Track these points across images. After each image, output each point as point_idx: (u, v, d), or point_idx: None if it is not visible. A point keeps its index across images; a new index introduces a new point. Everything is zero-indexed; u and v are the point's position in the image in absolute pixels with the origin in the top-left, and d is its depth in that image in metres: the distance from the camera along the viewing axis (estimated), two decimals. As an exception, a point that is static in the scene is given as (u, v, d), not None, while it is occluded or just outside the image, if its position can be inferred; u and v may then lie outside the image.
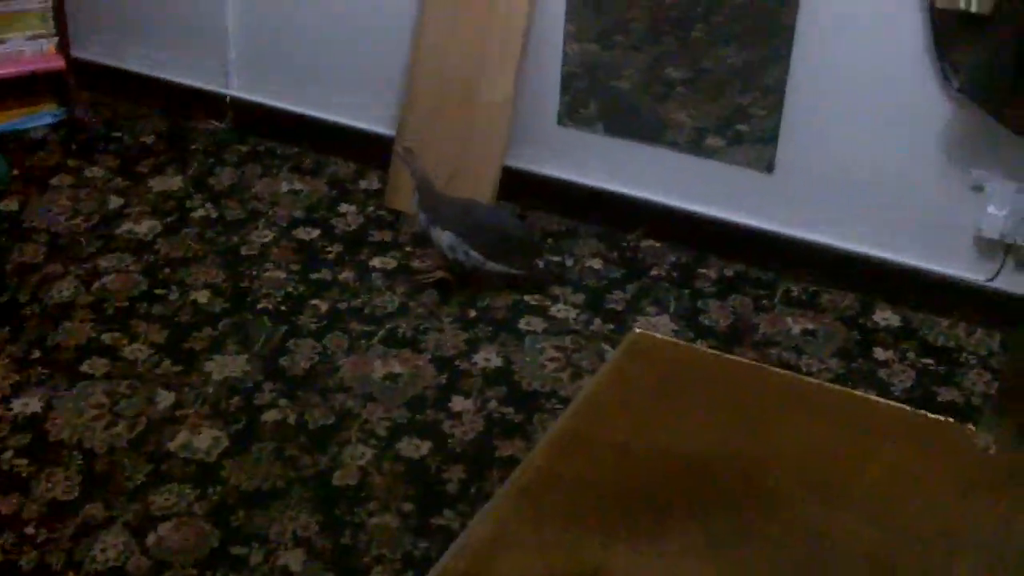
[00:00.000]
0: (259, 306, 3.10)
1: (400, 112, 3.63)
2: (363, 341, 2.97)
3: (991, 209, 3.00)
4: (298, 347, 2.94)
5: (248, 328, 3.01)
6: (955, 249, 3.13)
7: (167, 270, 3.25)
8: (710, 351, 2.77)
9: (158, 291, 3.15)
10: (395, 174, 3.59)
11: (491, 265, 3.15)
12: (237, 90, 3.99)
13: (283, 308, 3.09)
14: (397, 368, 2.88)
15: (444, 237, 3.14)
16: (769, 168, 3.26)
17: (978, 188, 3.03)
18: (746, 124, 3.29)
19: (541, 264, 3.22)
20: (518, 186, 3.55)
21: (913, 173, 3.10)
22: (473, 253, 3.13)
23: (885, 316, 3.17)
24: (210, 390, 2.78)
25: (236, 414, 2.70)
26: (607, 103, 3.47)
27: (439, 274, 3.23)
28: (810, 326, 3.12)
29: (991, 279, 3.11)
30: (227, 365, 2.87)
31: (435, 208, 3.16)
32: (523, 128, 3.50)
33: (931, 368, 2.97)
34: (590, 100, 3.47)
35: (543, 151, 3.54)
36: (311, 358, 2.90)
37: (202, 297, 3.13)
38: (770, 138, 3.25)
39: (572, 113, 3.48)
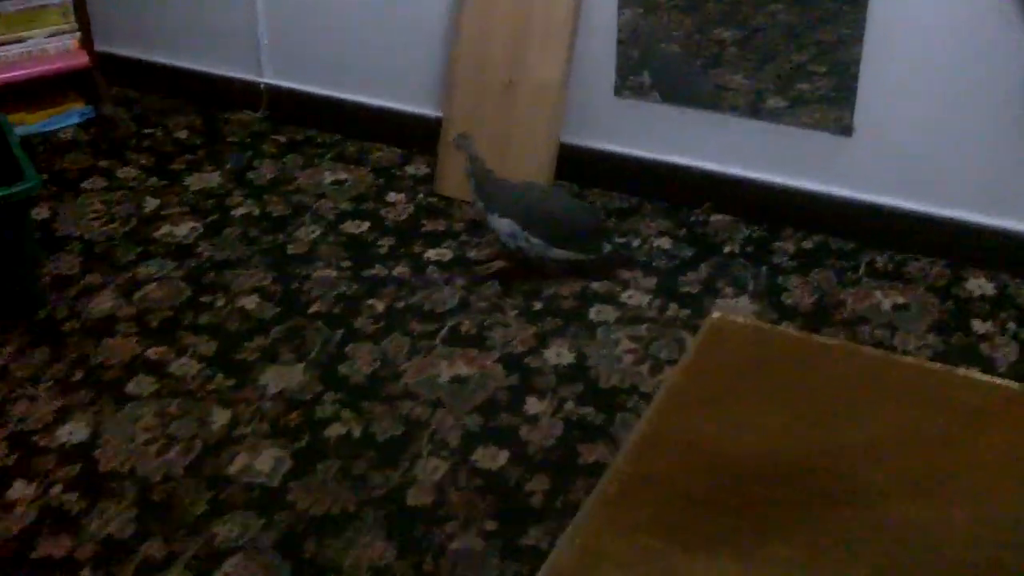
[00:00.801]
0: (312, 309, 2.91)
1: (445, 93, 3.43)
2: (425, 341, 2.79)
3: (1096, 164, 2.77)
4: (357, 352, 2.76)
5: (302, 334, 2.82)
6: (1054, 208, 2.91)
7: (211, 275, 3.07)
8: (796, 333, 2.57)
9: (203, 299, 2.97)
10: (444, 158, 3.39)
11: (554, 252, 2.95)
12: (271, 77, 3.79)
13: (337, 310, 2.91)
14: (464, 369, 2.69)
15: (503, 225, 2.94)
16: (847, 131, 3.04)
17: (1079, 141, 2.80)
18: (807, 83, 3.07)
19: (607, 247, 3.01)
20: (577, 164, 3.34)
21: (1001, 129, 2.87)
22: (534, 240, 2.93)
23: (979, 283, 2.95)
24: (267, 405, 2.60)
25: (297, 430, 2.52)
26: (659, 70, 3.26)
27: (499, 264, 3.04)
28: (901, 299, 2.90)
29: (1094, 238, 2.89)
30: (283, 376, 2.69)
31: (492, 195, 2.96)
32: (580, 103, 3.29)
33: (1037, 339, 2.76)
34: (643, 69, 3.25)
35: (601, 125, 3.32)
36: (372, 363, 2.72)
37: (250, 303, 2.95)
38: (845, 98, 3.02)
39: (627, 82, 3.27)
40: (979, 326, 2.81)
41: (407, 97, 3.58)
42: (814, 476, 1.53)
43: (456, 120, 3.36)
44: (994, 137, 2.88)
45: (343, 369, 2.70)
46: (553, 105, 3.25)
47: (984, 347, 2.73)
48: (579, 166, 3.35)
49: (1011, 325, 2.80)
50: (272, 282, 3.02)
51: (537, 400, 2.60)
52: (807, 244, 3.12)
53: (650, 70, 3.25)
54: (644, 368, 2.69)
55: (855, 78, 2.98)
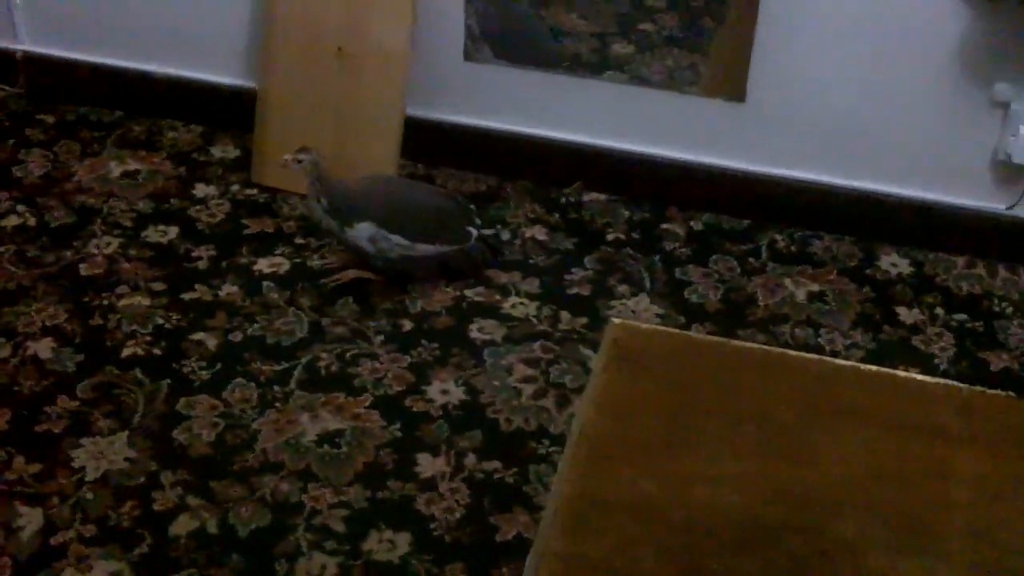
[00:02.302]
0: (125, 352, 2.32)
1: (260, 61, 2.84)
2: (277, 387, 2.26)
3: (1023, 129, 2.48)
4: (193, 410, 2.20)
5: (118, 390, 2.24)
6: (969, 176, 2.61)
7: (-14, 314, 2.43)
8: (712, 339, 2.22)
9: (-20, 348, 2.34)
10: (261, 138, 2.81)
11: (421, 248, 2.46)
12: (29, 44, 3.07)
13: (157, 351, 2.33)
14: (332, 422, 2.18)
15: (360, 232, 2.42)
16: (739, 96, 2.65)
17: (1002, 105, 2.50)
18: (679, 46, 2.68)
19: (472, 232, 2.53)
20: (426, 140, 2.82)
21: (918, 91, 2.54)
22: (395, 238, 2.43)
23: (893, 262, 2.64)
24: (89, 497, 2.03)
25: (133, 530, 1.97)
26: (509, 24, 2.78)
27: (351, 273, 2.52)
28: (815, 287, 2.56)
29: (1012, 207, 2.62)
30: (103, 453, 2.11)
31: (342, 206, 2.43)
32: (425, 70, 2.76)
33: (967, 326, 2.47)
34: (495, 28, 2.77)
35: (451, 95, 2.82)
36: (214, 425, 2.17)
37: (44, 350, 2.33)
38: (735, 61, 2.63)
39: (479, 45, 2.77)
40: (905, 314, 2.50)
41: (206, 64, 2.95)
42: (780, 537, 1.36)
43: (275, 95, 2.78)
44: (911, 98, 2.55)
45: (179, 436, 2.15)
46: (397, 74, 2.71)
47: (917, 341, 2.43)
48: (428, 143, 2.84)
49: (939, 311, 2.51)
50: (68, 318, 2.41)
51: (430, 457, 2.13)
52: (696, 225, 2.73)
53: (502, 29, 2.77)
54: (548, 401, 2.26)
55: (748, 37, 2.59)
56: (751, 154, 2.71)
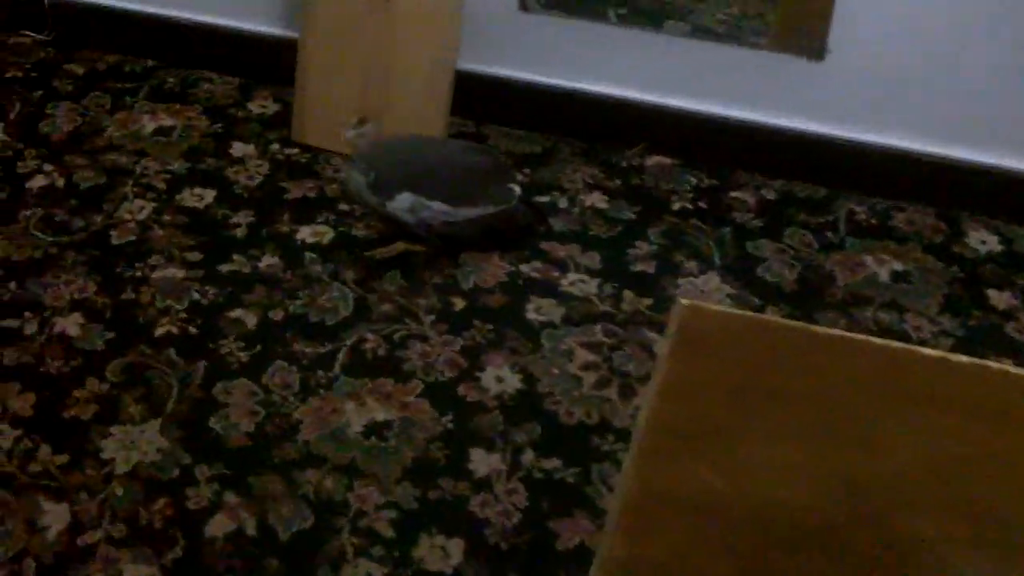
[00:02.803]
0: (158, 331, 2.17)
1: (301, 9, 2.65)
2: (320, 372, 2.10)
3: None
4: (230, 396, 2.05)
5: (150, 373, 2.09)
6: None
7: (11, 285, 2.27)
8: (790, 324, 2.03)
9: (4, 324, 2.19)
10: (302, 93, 2.63)
11: (463, 211, 2.29)
12: (55, -13, 2.91)
13: (193, 330, 2.18)
14: (380, 412, 2.03)
15: (402, 202, 2.25)
16: (818, 54, 2.44)
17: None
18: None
19: (516, 191, 2.35)
20: (476, 96, 2.64)
21: (1009, 52, 2.33)
22: (437, 204, 2.26)
23: (981, 237, 2.44)
24: (118, 492, 1.89)
25: (167, 531, 1.83)
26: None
27: (400, 246, 2.35)
28: (898, 266, 2.37)
29: (1114, 178, 2.41)
30: (133, 442, 1.97)
31: (382, 173, 2.26)
32: (477, 20, 2.57)
33: (1064, 311, 2.28)
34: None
35: (505, 48, 2.62)
36: (252, 413, 2.03)
37: (72, 326, 2.18)
38: (817, 13, 2.42)
39: (537, -7, 2.57)
40: (996, 298, 2.31)
41: (244, 12, 2.77)
42: (848, 532, 1.22)
43: (317, 46, 2.59)
44: (999, 61, 2.34)
45: (215, 425, 2.00)
46: (447, 25, 2.52)
47: (1010, 328, 2.24)
48: (479, 99, 2.65)
49: (1033, 295, 2.32)
50: (97, 291, 2.26)
51: (484, 453, 1.97)
52: (768, 194, 2.54)
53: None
54: (612, 391, 2.09)
55: (833, -10, 2.38)
56: (828, 115, 2.50)
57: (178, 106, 2.74)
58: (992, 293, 2.32)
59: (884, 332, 2.21)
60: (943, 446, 1.34)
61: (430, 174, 2.30)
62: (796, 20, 2.50)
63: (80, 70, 2.84)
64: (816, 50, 2.44)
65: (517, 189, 2.34)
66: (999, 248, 2.42)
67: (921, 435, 1.34)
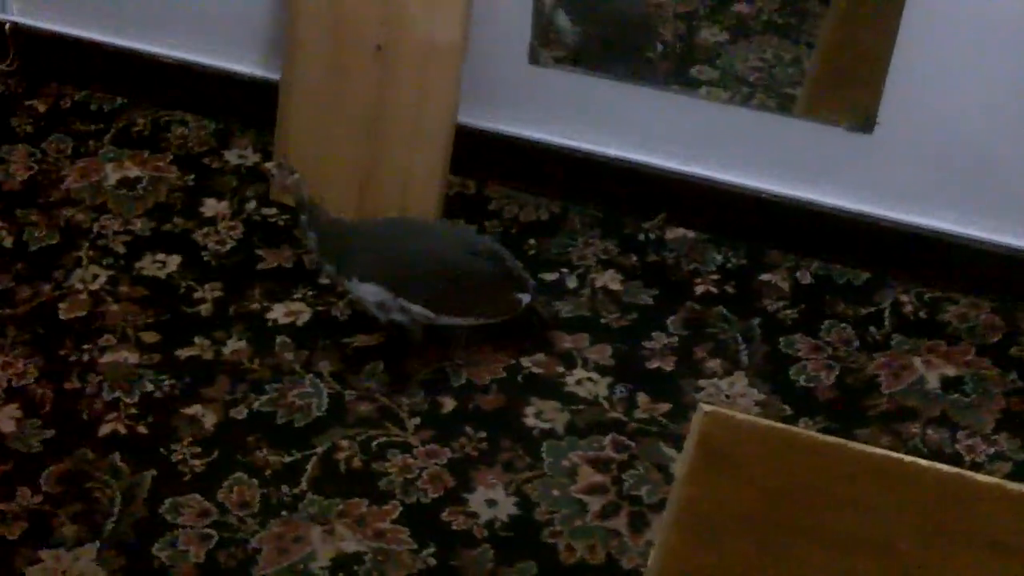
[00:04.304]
0: (103, 430, 1.90)
1: (284, 51, 2.37)
2: (284, 489, 1.83)
3: None
4: (181, 516, 1.78)
5: (90, 484, 1.82)
6: None
7: (-60, 367, 2.01)
8: (826, 440, 1.78)
9: (-72, 415, 1.92)
10: (281, 140, 2.35)
11: (446, 319, 2.01)
12: (19, 14, 2.61)
13: (142, 429, 1.91)
14: (351, 544, 1.75)
15: (365, 292, 1.97)
16: (867, 125, 2.15)
17: None
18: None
19: (524, 299, 2.05)
20: (478, 154, 2.35)
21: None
22: (415, 308, 1.98)
23: (1042, 337, 2.17)
24: (40, 641, 1.62)
25: None
26: (599, 25, 2.30)
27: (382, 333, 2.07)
28: (950, 370, 2.09)
29: None
30: (64, 572, 1.70)
31: (341, 249, 1.98)
32: (482, 72, 2.28)
33: None
34: (569, 21, 2.28)
35: (512, 103, 2.34)
36: (204, 539, 1.75)
37: (6, 422, 1.91)
38: (866, 82, 2.13)
39: (549, 45, 2.29)
40: (1060, 413, 2.03)
41: (224, 50, 2.48)
42: None
43: (301, 92, 2.31)
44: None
45: (161, 554, 1.73)
46: (446, 76, 2.24)
47: (1078, 453, 1.97)
48: (482, 157, 2.37)
49: (1104, 412, 2.04)
50: (39, 377, 1.99)
51: (471, 599, 1.70)
52: (804, 277, 2.25)
53: (578, 21, 2.28)
54: (620, 521, 1.81)
55: (884, 58, 2.09)
56: (874, 193, 2.22)
57: (147, 154, 2.45)
58: (1056, 408, 2.04)
59: (933, 454, 1.93)
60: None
61: (410, 272, 1.98)
62: (841, 86, 2.22)
63: (42, 107, 2.56)
64: (864, 121, 2.15)
65: (525, 299, 2.04)
66: (1063, 351, 2.14)
67: None
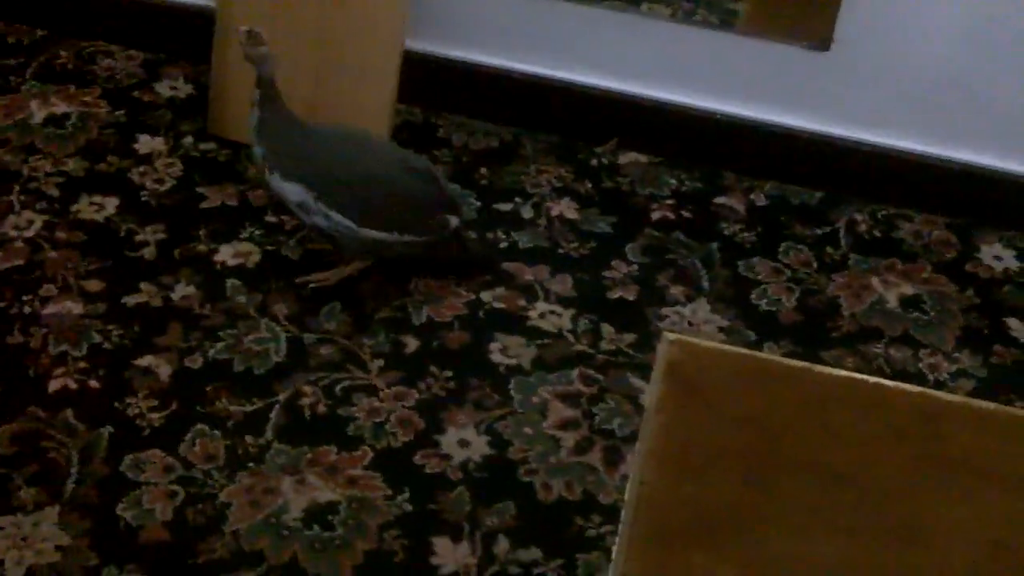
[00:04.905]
0: (52, 385, 1.82)
1: (212, -24, 2.25)
2: (249, 440, 1.77)
3: None
4: (144, 472, 1.71)
5: (45, 441, 1.74)
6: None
7: None
8: (793, 365, 1.78)
9: None
10: (220, 73, 2.25)
11: (367, 233, 1.94)
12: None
13: (94, 383, 1.83)
14: (325, 494, 1.71)
15: (289, 191, 1.91)
16: (822, 44, 2.12)
17: None
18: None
19: (453, 222, 1.99)
20: (427, 80, 2.28)
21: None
22: (336, 216, 1.92)
23: (994, 252, 2.18)
24: (8, 611, 1.56)
25: (68, 661, 1.51)
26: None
27: (347, 270, 2.00)
28: (908, 288, 2.09)
29: None
30: (27, 538, 1.63)
31: (279, 142, 1.91)
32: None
33: (1094, 343, 2.03)
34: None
35: (462, 25, 2.26)
36: (171, 496, 1.69)
37: (-53, 380, 1.82)
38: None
39: (496, -37, 2.21)
40: (1018, 328, 2.05)
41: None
42: None
43: (238, 17, 2.20)
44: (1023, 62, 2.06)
45: (126, 514, 1.67)
46: (393, 1, 2.15)
47: (1036, 366, 1.99)
48: (431, 84, 2.29)
49: (1060, 324, 2.06)
50: (-22, 332, 1.89)
51: (450, 543, 1.67)
52: (759, 199, 2.23)
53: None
54: (595, 456, 1.79)
55: (841, -31, 2.05)
56: (829, 112, 2.20)
57: (73, 88, 2.33)
58: (1013, 323, 2.05)
59: (898, 374, 1.93)
60: (986, 530, 1.20)
61: (336, 179, 1.91)
62: (795, 2, 2.18)
63: (-45, 41, 2.42)
64: (820, 39, 2.12)
65: (454, 221, 1.99)
66: (1016, 265, 2.15)
67: (961, 515, 1.23)
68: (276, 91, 1.90)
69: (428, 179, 1.99)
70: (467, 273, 2.04)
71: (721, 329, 2.00)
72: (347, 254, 1.98)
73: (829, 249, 2.15)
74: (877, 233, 2.18)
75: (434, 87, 2.30)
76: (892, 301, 2.07)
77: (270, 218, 2.10)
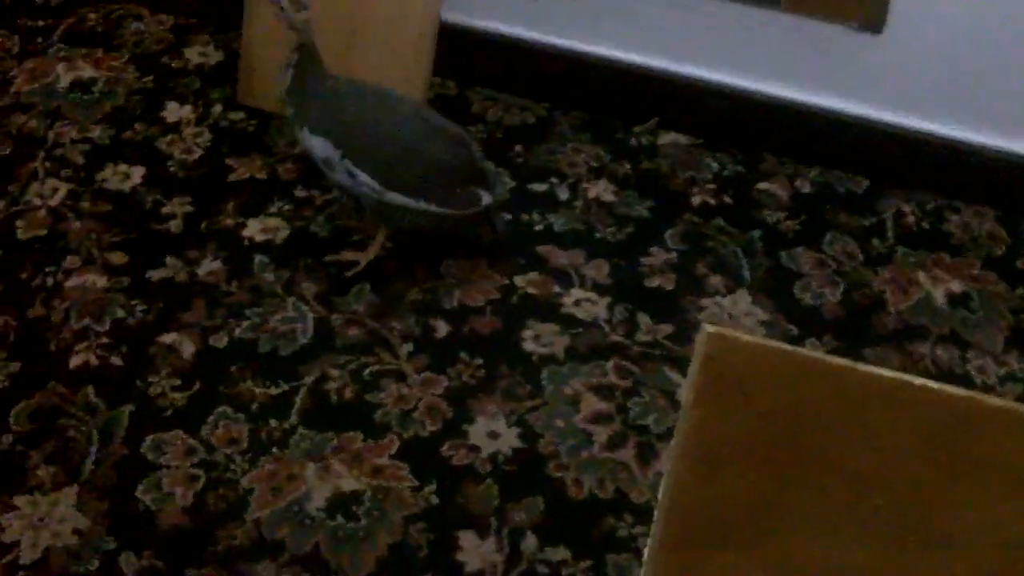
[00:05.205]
0: (73, 361, 1.77)
1: (245, -61, 2.18)
2: (273, 424, 1.72)
3: None
4: (164, 454, 1.67)
5: (65, 419, 1.70)
6: None
7: None
8: (835, 363, 1.71)
9: None
10: (248, 39, 2.19)
11: (392, 196, 1.87)
12: None
13: (116, 360, 1.78)
14: (349, 483, 1.66)
15: (313, 144, 1.84)
16: (875, 26, 2.04)
17: None
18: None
19: (485, 197, 1.91)
20: (462, 54, 2.21)
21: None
22: (362, 176, 1.85)
23: (1047, 248, 2.10)
24: (23, 593, 1.52)
25: (83, 650, 1.47)
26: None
27: (372, 253, 1.95)
28: (956, 285, 2.02)
29: None
30: (44, 518, 1.59)
31: (309, 97, 1.84)
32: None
33: None
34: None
35: (492, 1, 2.19)
36: (192, 479, 1.65)
37: (-34, 354, 1.78)
38: (877, -23, 2.01)
39: (538, -66, 2.13)
40: (1070, 330, 1.98)
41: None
42: None
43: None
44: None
45: (145, 497, 1.62)
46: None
47: (1088, 372, 1.92)
48: (464, 57, 2.22)
49: (1113, 327, 1.99)
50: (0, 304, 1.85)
51: (476, 539, 1.62)
52: (803, 185, 2.16)
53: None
54: (628, 452, 1.73)
55: (899, -50, 1.97)
56: (876, 96, 2.12)
57: (100, 52, 2.27)
58: (1065, 324, 1.98)
59: (944, 375, 1.87)
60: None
61: (368, 138, 1.85)
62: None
63: (-19, 0, 2.37)
64: (872, 20, 2.04)
65: (486, 198, 1.91)
66: (1069, 263, 2.08)
67: (999, 521, 1.17)
68: (317, 55, 1.84)
69: (461, 148, 1.92)
70: (499, 255, 1.98)
71: (762, 322, 1.93)
72: (371, 220, 1.92)
73: (875, 241, 2.07)
74: (925, 225, 2.11)
75: (469, 60, 2.24)
76: (939, 298, 1.99)
77: (299, 192, 2.05)
